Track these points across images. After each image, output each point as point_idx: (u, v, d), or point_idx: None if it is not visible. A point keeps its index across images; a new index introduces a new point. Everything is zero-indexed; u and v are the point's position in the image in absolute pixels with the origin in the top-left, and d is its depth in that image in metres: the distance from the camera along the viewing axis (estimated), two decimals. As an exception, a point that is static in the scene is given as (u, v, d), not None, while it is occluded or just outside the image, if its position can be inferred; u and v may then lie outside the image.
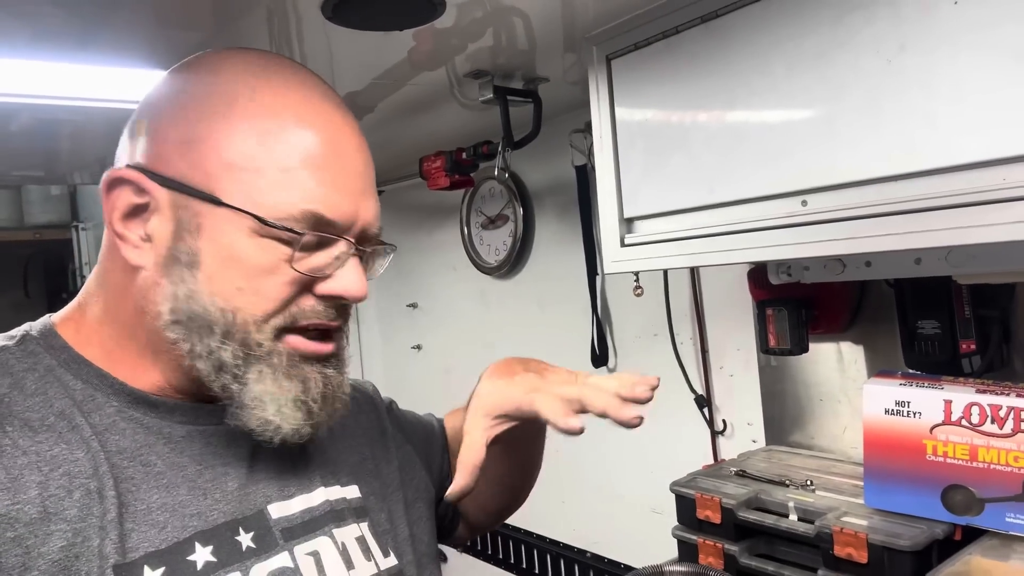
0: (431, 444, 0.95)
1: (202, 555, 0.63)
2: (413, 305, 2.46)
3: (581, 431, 0.70)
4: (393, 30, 1.06)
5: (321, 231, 0.66)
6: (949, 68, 0.79)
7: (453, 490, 0.75)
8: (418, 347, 2.47)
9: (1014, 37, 0.74)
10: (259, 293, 0.65)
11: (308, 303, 0.68)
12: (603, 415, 0.71)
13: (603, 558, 1.85)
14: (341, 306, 0.71)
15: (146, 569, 0.60)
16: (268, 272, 0.65)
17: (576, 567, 1.92)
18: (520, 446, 0.90)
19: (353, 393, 0.91)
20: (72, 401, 0.64)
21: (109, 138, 0.71)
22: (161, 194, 0.66)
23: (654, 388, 0.73)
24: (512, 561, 2.09)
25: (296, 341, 0.68)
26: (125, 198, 0.66)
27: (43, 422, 0.62)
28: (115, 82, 1.18)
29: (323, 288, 0.68)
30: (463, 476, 0.75)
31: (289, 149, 0.66)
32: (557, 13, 1.10)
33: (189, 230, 0.65)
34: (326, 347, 0.71)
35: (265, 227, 0.64)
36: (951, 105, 0.79)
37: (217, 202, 0.65)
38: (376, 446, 0.87)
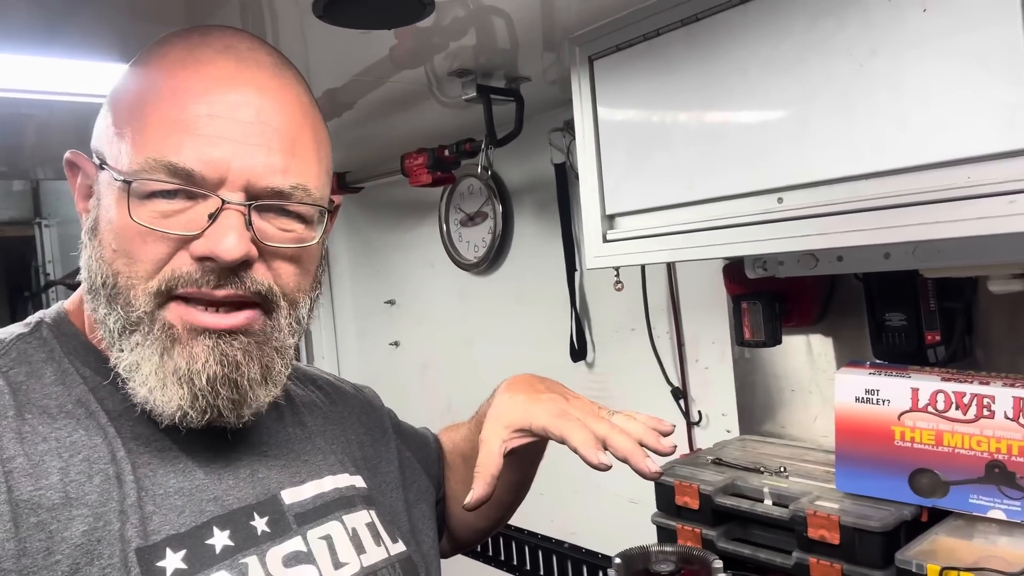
0: (427, 451, 0.97)
1: (220, 539, 0.64)
2: (391, 302, 2.46)
3: (609, 468, 0.69)
4: (383, 28, 1.07)
5: (181, 183, 0.62)
6: (917, 72, 0.83)
7: (471, 499, 0.74)
8: (396, 343, 2.48)
9: (978, 43, 0.78)
10: (130, 255, 0.63)
11: (184, 267, 0.63)
12: (624, 460, 0.71)
13: (580, 548, 1.88)
14: (236, 274, 0.64)
15: (168, 552, 0.61)
16: (137, 232, 0.63)
17: (554, 558, 1.95)
18: (523, 465, 0.90)
19: (355, 394, 0.93)
20: (87, 388, 0.66)
21: (75, 133, 0.70)
22: (93, 171, 0.68)
23: (668, 434, 0.75)
24: (490, 554, 2.11)
25: (181, 310, 0.64)
26: (79, 179, 0.69)
27: (61, 409, 0.63)
28: (82, 75, 1.13)
29: (194, 248, 0.63)
30: (481, 485, 0.74)
31: (154, 104, 0.64)
32: (537, 14, 1.12)
33: (97, 200, 0.67)
34: (224, 320, 0.64)
35: (124, 184, 0.63)
36: (919, 107, 0.83)
37: (101, 167, 0.66)
38: (377, 445, 0.88)
